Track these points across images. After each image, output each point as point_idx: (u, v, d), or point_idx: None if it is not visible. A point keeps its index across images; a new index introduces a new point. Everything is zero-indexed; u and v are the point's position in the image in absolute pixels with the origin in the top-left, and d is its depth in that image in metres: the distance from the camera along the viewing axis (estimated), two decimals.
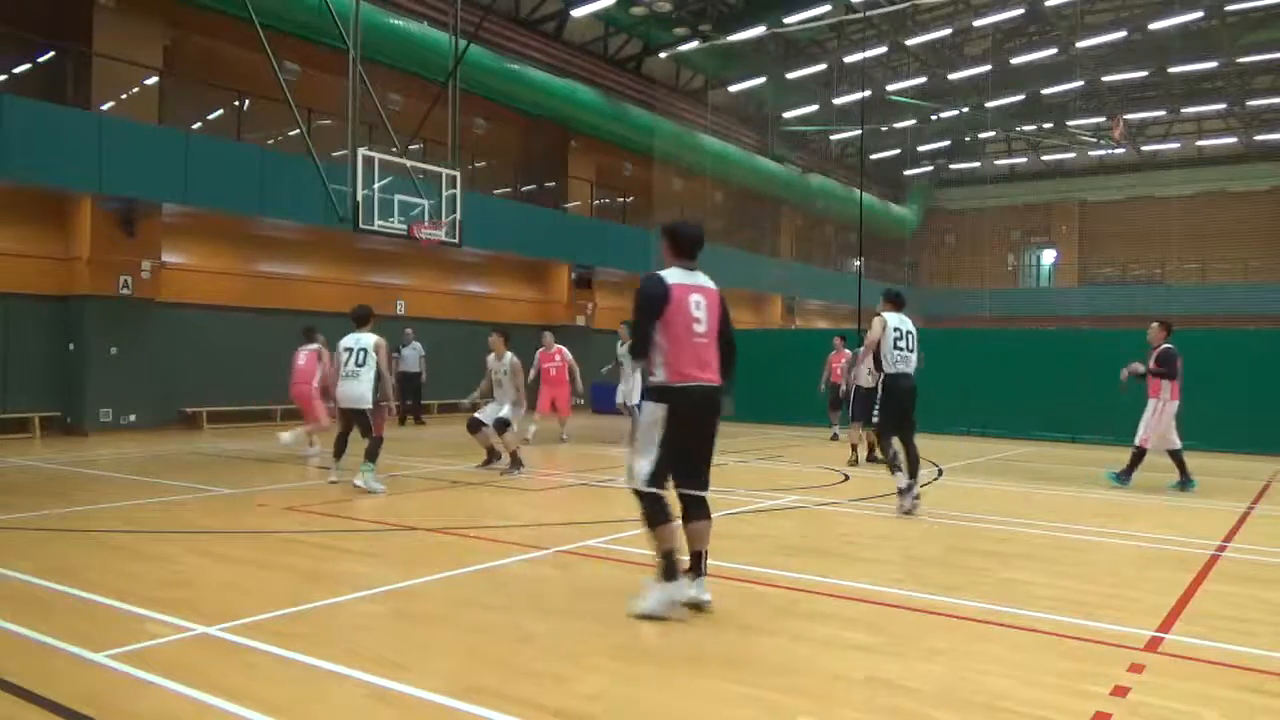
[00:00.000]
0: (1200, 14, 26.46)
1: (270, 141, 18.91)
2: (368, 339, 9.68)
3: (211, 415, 17.14)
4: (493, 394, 11.41)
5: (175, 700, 3.60)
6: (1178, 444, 10.55)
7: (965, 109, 34.48)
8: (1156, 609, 5.16)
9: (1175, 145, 39.10)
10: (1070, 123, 36.66)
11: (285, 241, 18.92)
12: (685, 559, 4.95)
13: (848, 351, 14.65)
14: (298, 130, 14.06)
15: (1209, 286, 37.32)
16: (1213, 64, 30.22)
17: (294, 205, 16.48)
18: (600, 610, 4.99)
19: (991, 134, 39.40)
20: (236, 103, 18.09)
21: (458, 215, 14.42)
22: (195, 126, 18.05)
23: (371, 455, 9.28)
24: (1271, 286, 35.69)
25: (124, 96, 16.36)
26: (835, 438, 15.60)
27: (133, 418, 15.96)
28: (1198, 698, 3.80)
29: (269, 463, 11.77)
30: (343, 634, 4.49)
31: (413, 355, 18.71)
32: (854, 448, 12.61)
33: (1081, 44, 28.35)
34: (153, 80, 16.74)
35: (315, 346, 12.90)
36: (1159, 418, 10.50)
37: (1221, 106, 35.11)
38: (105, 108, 15.89)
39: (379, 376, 9.55)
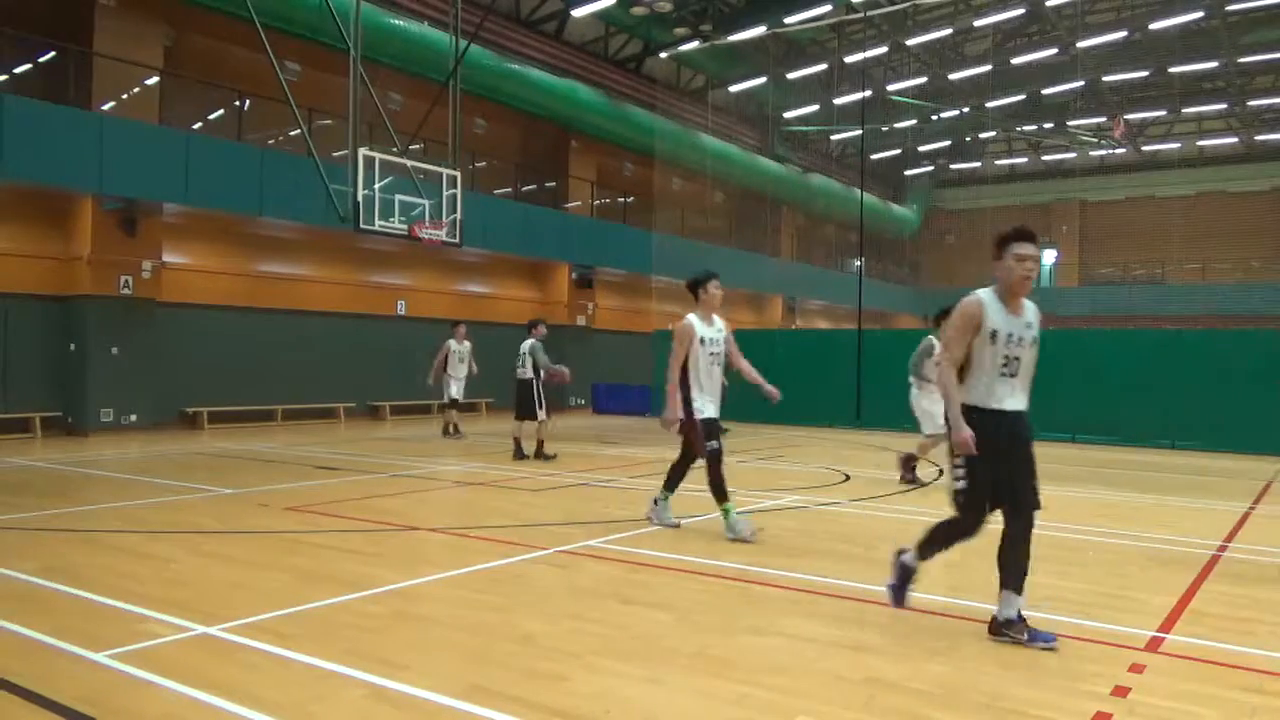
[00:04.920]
0: (1201, 14, 26.45)
1: (271, 141, 18.93)
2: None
3: (212, 415, 17.15)
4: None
5: (176, 700, 3.60)
6: None
7: (966, 109, 34.47)
8: (1157, 609, 5.16)
9: (1176, 145, 39.06)
10: (1071, 123, 36.66)
11: (286, 242, 18.93)
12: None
13: None
14: (298, 130, 14.07)
15: (1209, 286, 37.30)
16: (1213, 64, 30.22)
17: (295, 205, 16.49)
18: (601, 610, 4.99)
19: (992, 134, 39.39)
20: (237, 103, 18.11)
21: (458, 215, 14.43)
22: (196, 126, 18.07)
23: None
24: (1271, 286, 35.68)
25: (124, 96, 16.36)
26: None
27: (133, 418, 15.97)
28: (1198, 698, 3.80)
29: (270, 463, 11.77)
30: (343, 634, 4.50)
31: None
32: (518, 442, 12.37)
33: (1082, 44, 28.34)
34: (153, 80, 16.75)
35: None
36: None
37: (1222, 106, 35.09)
38: (106, 108, 15.89)
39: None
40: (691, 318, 7.21)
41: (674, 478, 7.51)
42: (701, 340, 7.12)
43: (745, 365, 7.31)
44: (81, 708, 3.48)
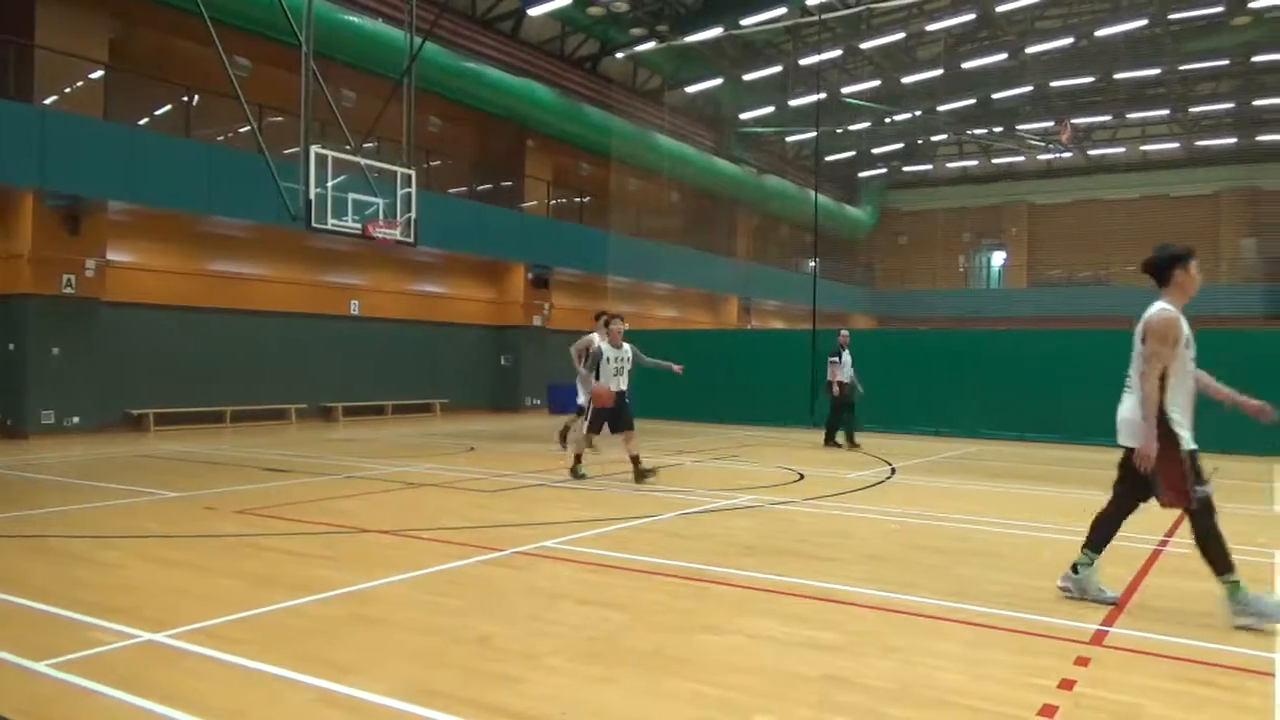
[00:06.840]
0: (1145, 21, 27.12)
1: (220, 138, 18.58)
2: None
3: (159, 417, 16.78)
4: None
5: (120, 709, 3.52)
6: None
7: (918, 112, 34.93)
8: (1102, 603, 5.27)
9: (1120, 150, 40.01)
10: (1019, 127, 37.34)
11: (236, 240, 18.58)
12: None
13: None
14: (248, 127, 13.82)
15: (1150, 289, 38.19)
16: (1156, 70, 31.00)
17: (244, 203, 16.18)
18: (557, 611, 4.97)
19: (943, 137, 39.97)
20: (185, 98, 17.74)
21: (413, 214, 14.27)
22: (142, 122, 17.68)
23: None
24: (1210, 289, 36.64)
25: (68, 90, 15.95)
26: None
27: (76, 420, 15.56)
28: (1141, 689, 3.90)
29: (218, 465, 11.55)
30: (293, 638, 4.43)
31: (849, 361, 15.20)
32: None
33: (1031, 49, 28.89)
34: (98, 74, 16.34)
35: None
36: None
37: (1165, 112, 36.01)
38: (48, 101, 15.48)
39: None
40: (1172, 308, 5.05)
41: (1105, 531, 5.37)
42: (1186, 341, 5.05)
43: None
44: (22, 719, 3.38)
